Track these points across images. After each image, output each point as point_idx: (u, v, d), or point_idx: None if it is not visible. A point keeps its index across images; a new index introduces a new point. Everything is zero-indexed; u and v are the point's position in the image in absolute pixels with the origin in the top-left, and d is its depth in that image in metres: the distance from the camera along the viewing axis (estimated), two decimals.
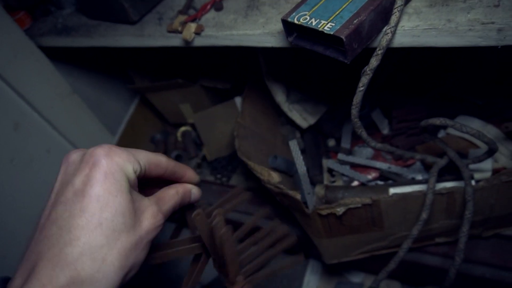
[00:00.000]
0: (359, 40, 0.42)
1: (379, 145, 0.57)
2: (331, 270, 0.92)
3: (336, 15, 0.41)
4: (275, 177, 0.63)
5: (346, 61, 0.42)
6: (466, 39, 0.41)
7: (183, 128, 1.04)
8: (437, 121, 0.54)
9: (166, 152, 1.04)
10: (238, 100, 0.90)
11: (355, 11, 0.41)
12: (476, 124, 0.68)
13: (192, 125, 1.02)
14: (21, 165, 0.73)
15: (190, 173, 0.42)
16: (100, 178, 0.31)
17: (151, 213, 0.34)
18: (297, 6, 0.45)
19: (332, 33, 0.40)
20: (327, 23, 0.41)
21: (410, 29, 0.43)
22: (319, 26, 0.41)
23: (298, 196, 0.60)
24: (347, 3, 0.42)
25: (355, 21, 0.40)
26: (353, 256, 0.71)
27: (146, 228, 0.33)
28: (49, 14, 0.78)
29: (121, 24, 0.66)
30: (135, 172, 0.34)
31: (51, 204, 0.32)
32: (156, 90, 0.92)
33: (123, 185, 0.31)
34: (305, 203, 0.67)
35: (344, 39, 0.39)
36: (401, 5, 0.41)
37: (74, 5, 0.76)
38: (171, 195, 0.38)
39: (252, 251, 0.49)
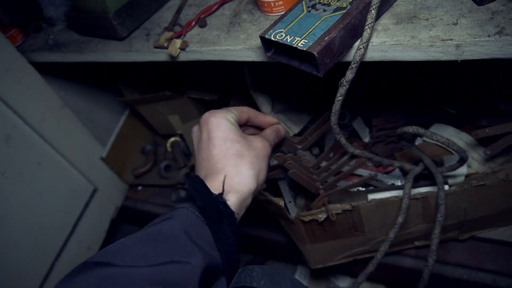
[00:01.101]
0: (331, 56, 0.45)
1: (358, 151, 0.60)
2: (318, 276, 0.95)
3: (309, 33, 0.45)
4: None
5: (319, 75, 0.45)
6: (429, 54, 0.45)
7: (172, 139, 1.06)
8: (410, 129, 0.58)
9: (156, 163, 1.07)
10: None
11: (326, 29, 0.44)
12: (450, 131, 0.71)
13: (181, 136, 1.05)
14: (13, 178, 0.75)
15: (269, 117, 0.57)
16: (214, 127, 0.47)
17: (259, 139, 0.50)
18: (274, 23, 0.48)
19: (305, 49, 0.43)
20: (301, 40, 0.44)
21: (379, 45, 0.46)
22: (293, 42, 0.45)
23: (281, 203, 0.62)
24: (319, 22, 0.46)
25: (326, 38, 0.43)
26: (337, 261, 0.73)
27: (258, 146, 0.49)
28: (41, 30, 0.81)
29: (110, 40, 0.68)
30: (233, 118, 0.49)
31: (196, 154, 0.49)
32: (145, 102, 0.94)
33: (230, 126, 0.48)
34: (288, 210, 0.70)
35: (316, 55, 0.42)
36: (372, 22, 0.44)
37: (65, 22, 0.79)
38: (268, 132, 0.55)
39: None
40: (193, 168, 1.00)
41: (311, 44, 0.43)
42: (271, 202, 0.64)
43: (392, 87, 0.82)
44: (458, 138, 0.69)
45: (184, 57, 0.60)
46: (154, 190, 1.05)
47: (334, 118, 0.51)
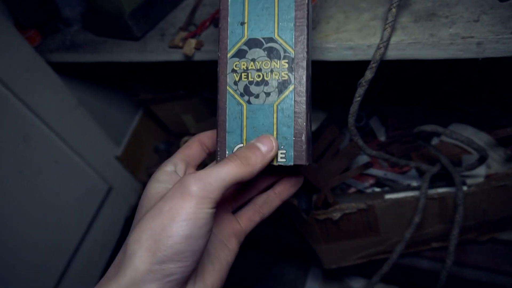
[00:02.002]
0: (311, 145, 0.35)
1: (374, 153, 0.59)
2: (331, 276, 0.94)
3: (277, 136, 0.33)
4: None
5: (308, 165, 0.34)
6: (448, 52, 0.44)
7: (185, 138, 1.06)
8: (428, 128, 0.57)
9: None
10: None
11: (293, 122, 0.33)
12: (468, 131, 0.70)
13: (194, 135, 1.05)
14: (30, 176, 0.76)
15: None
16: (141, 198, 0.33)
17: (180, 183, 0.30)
18: (222, 140, 0.34)
19: (292, 164, 0.32)
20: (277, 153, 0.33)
21: (396, 43, 0.45)
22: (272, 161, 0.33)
23: (295, 202, 0.62)
24: (275, 114, 0.33)
25: (303, 137, 0.32)
26: (351, 261, 0.73)
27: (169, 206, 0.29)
28: (58, 31, 0.82)
29: (125, 41, 0.69)
30: (171, 167, 0.34)
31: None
32: (160, 101, 0.95)
33: (154, 186, 0.33)
34: (303, 209, 0.69)
35: (307, 163, 0.33)
36: (392, 20, 0.43)
37: (81, 23, 0.80)
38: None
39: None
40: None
41: (292, 153, 0.32)
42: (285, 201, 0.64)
43: (409, 86, 0.80)
44: (477, 138, 0.68)
45: (199, 56, 0.60)
46: None
47: (352, 120, 0.50)
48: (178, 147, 1.06)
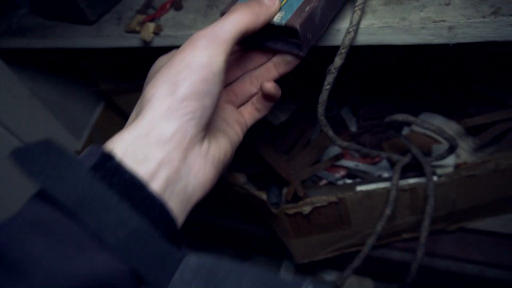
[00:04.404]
0: (313, 30, 0.38)
1: (345, 144, 0.57)
2: (304, 270, 0.93)
3: (283, 4, 0.38)
4: (240, 178, 0.62)
5: (301, 54, 0.39)
6: (419, 37, 0.42)
7: None
8: (399, 117, 0.55)
9: None
10: None
11: None
12: (438, 120, 0.69)
13: None
14: None
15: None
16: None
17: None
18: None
19: (283, 23, 0.36)
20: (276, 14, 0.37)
21: (366, 27, 0.43)
22: None
23: (264, 196, 0.59)
24: None
25: (307, 9, 0.36)
26: (323, 255, 0.71)
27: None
28: (4, 15, 0.74)
29: (78, 25, 0.63)
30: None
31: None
32: (122, 92, 0.89)
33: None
34: (273, 203, 0.67)
35: (298, 28, 0.35)
36: (362, 2, 0.40)
37: (29, 6, 0.73)
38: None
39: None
40: None
41: (290, 16, 0.36)
42: (253, 196, 0.61)
43: (379, 76, 0.79)
44: (446, 127, 0.67)
45: (158, 42, 0.56)
46: None
47: (321, 109, 0.48)
48: None
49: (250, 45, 0.42)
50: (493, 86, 0.62)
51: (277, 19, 0.36)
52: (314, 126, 0.78)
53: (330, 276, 0.91)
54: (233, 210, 0.87)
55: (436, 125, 0.51)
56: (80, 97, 0.96)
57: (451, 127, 0.67)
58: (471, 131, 0.66)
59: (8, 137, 0.76)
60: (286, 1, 0.38)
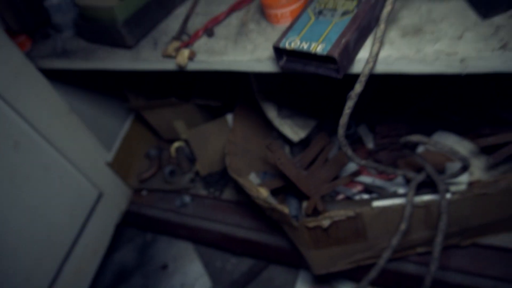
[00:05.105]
0: (348, 57, 0.46)
1: (363, 162, 0.61)
2: (321, 280, 0.95)
3: (324, 37, 0.46)
4: (263, 193, 0.67)
5: (338, 77, 0.46)
6: (434, 67, 0.46)
7: (176, 144, 1.07)
8: (414, 138, 0.59)
9: (160, 167, 1.08)
10: (229, 117, 0.93)
11: (341, 32, 0.46)
12: (452, 139, 0.72)
13: (186, 141, 1.06)
14: (19, 183, 0.76)
15: None
16: None
17: None
18: (285, 32, 0.49)
19: (325, 53, 0.44)
20: (318, 45, 0.46)
21: (384, 58, 0.47)
22: (311, 48, 0.46)
23: (286, 210, 0.63)
24: (331, 26, 0.47)
25: (343, 41, 0.45)
26: (340, 267, 0.74)
27: None
28: (49, 37, 0.82)
29: (118, 49, 0.69)
30: None
31: None
32: (151, 108, 0.95)
33: None
34: (294, 216, 0.71)
35: (337, 57, 0.44)
36: (381, 36, 0.45)
37: (72, 29, 0.80)
38: None
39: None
40: (197, 173, 1.01)
41: (329, 48, 0.45)
42: (275, 209, 0.65)
43: (396, 95, 0.83)
44: (460, 146, 0.70)
45: (192, 66, 0.61)
46: (159, 194, 1.05)
47: (341, 131, 0.52)
48: (169, 152, 1.07)
49: (296, 71, 0.50)
50: (505, 108, 0.65)
51: (319, 49, 0.45)
52: (332, 143, 0.82)
53: (345, 287, 0.94)
54: (253, 221, 0.91)
55: (449, 146, 0.55)
56: (112, 111, 1.02)
57: (464, 146, 0.70)
58: (484, 150, 0.69)
59: (48, 148, 0.82)
60: (326, 35, 0.46)
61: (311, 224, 0.64)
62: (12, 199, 0.74)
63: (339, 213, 0.63)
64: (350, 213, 0.63)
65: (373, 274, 0.62)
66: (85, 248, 0.91)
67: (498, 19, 0.45)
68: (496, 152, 0.62)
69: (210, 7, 0.70)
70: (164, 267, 1.12)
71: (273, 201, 0.64)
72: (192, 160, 1.04)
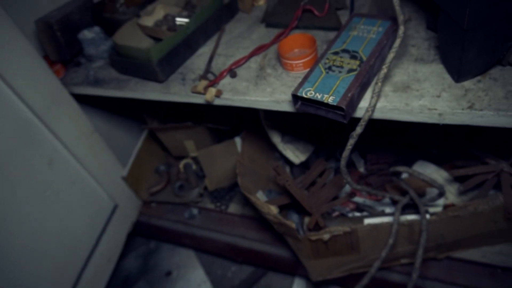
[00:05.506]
0: (352, 107, 0.59)
1: (359, 187, 0.73)
2: (314, 286, 1.06)
3: (334, 91, 0.58)
4: (273, 210, 0.78)
5: (345, 122, 0.59)
6: (419, 117, 0.58)
7: (184, 161, 1.17)
8: (401, 169, 0.71)
9: (169, 182, 1.17)
10: (237, 140, 1.05)
11: (347, 87, 0.58)
12: (431, 168, 0.85)
13: (193, 158, 1.16)
14: (51, 196, 0.84)
15: None
16: None
17: None
18: (302, 83, 0.61)
19: (335, 104, 0.56)
20: (329, 97, 0.58)
21: (380, 108, 0.59)
22: (323, 99, 0.58)
23: (293, 225, 0.75)
24: (339, 81, 0.59)
25: (349, 95, 0.57)
26: (335, 274, 0.86)
27: None
28: (80, 65, 0.91)
29: (149, 81, 0.80)
30: None
31: None
32: (167, 130, 1.05)
33: None
34: (296, 229, 0.82)
35: (345, 108, 0.56)
36: (378, 91, 0.58)
37: (102, 59, 0.89)
38: None
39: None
40: (205, 188, 1.12)
41: (338, 99, 0.57)
42: (283, 224, 0.76)
43: (384, 129, 0.96)
44: (437, 174, 0.84)
45: (218, 102, 0.72)
46: (167, 207, 1.15)
47: (344, 162, 0.64)
48: (177, 168, 1.17)
49: (309, 113, 0.62)
50: (474, 146, 0.79)
51: (330, 100, 0.57)
52: (330, 168, 0.95)
53: None
54: (256, 234, 1.02)
55: (429, 176, 0.67)
56: (127, 130, 1.12)
57: (441, 174, 0.84)
58: (457, 179, 0.82)
59: (75, 165, 0.91)
60: (335, 88, 0.59)
61: (314, 237, 0.76)
62: (44, 212, 0.83)
63: (338, 228, 0.75)
64: (347, 229, 0.75)
65: (365, 281, 0.74)
66: (101, 256, 1.00)
67: (467, 83, 0.58)
68: (466, 181, 0.76)
69: (230, 49, 0.81)
70: (168, 274, 1.20)
71: (281, 217, 0.75)
72: (199, 176, 1.14)
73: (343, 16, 0.81)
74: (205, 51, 0.84)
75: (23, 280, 0.79)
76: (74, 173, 0.90)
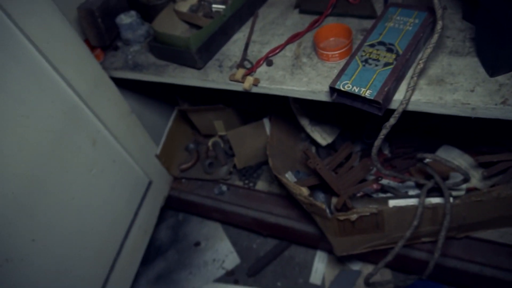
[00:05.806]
0: (387, 100, 0.62)
1: (388, 172, 0.77)
2: (335, 260, 1.14)
3: (370, 84, 0.61)
4: (304, 191, 0.83)
5: (380, 114, 0.62)
6: (452, 111, 0.61)
7: (213, 139, 1.22)
8: (428, 155, 0.75)
9: (198, 159, 1.23)
10: (266, 121, 1.09)
11: (383, 81, 0.61)
12: (456, 152, 0.89)
13: (221, 137, 1.21)
14: (98, 175, 0.91)
15: None
16: None
17: None
18: (339, 75, 0.64)
19: (372, 98, 0.60)
20: (366, 90, 0.61)
21: (414, 101, 0.62)
22: (361, 92, 0.61)
23: (324, 206, 0.80)
24: (375, 75, 0.62)
25: (385, 89, 0.60)
26: (358, 250, 0.92)
27: None
28: (118, 49, 0.95)
29: (187, 68, 0.83)
30: None
31: None
32: (198, 111, 1.10)
33: None
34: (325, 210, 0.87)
35: (381, 102, 0.59)
36: (413, 85, 0.60)
37: (139, 43, 0.93)
38: None
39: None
40: (234, 166, 1.17)
41: (375, 94, 0.60)
42: (314, 205, 0.82)
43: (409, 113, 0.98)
44: (462, 159, 0.87)
45: (255, 90, 0.76)
46: (197, 183, 1.21)
47: (375, 150, 0.68)
48: (206, 146, 1.22)
49: (345, 104, 0.65)
50: (500, 135, 0.81)
51: (368, 94, 0.60)
52: (355, 148, 0.99)
53: (355, 266, 1.12)
54: (283, 210, 1.08)
55: (456, 163, 0.71)
56: (159, 111, 1.17)
57: (466, 159, 0.87)
58: (481, 164, 0.86)
59: (115, 144, 0.97)
60: (372, 82, 0.61)
61: (342, 217, 0.81)
62: (91, 189, 0.90)
63: (365, 209, 0.80)
64: (374, 210, 0.80)
65: (389, 257, 0.80)
66: (139, 228, 1.08)
67: (501, 78, 0.60)
68: (490, 168, 0.79)
69: (265, 36, 0.84)
70: (197, 244, 1.29)
71: (312, 199, 0.80)
72: (228, 154, 1.19)
73: (377, 3, 0.82)
74: (239, 37, 0.86)
75: (74, 251, 0.87)
76: (115, 152, 0.96)
